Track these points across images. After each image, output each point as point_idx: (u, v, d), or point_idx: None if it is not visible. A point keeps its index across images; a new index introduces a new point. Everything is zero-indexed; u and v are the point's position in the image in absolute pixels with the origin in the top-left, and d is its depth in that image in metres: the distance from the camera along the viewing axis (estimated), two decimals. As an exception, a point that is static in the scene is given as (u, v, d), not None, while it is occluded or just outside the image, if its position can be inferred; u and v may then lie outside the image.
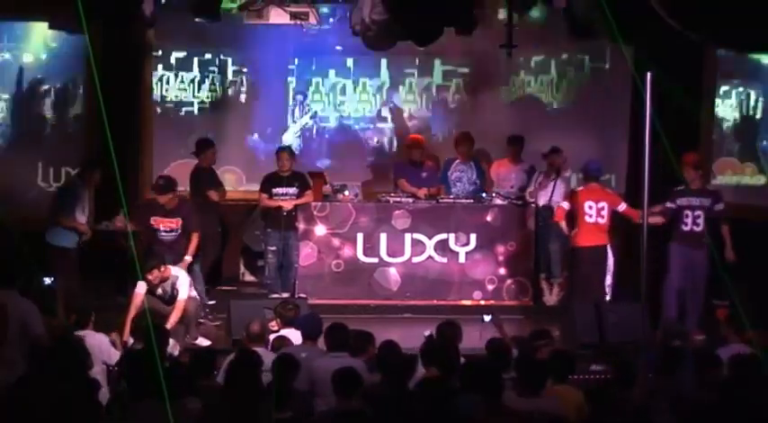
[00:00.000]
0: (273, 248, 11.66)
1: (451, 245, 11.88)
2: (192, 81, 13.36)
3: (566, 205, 11.07)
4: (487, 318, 10.80)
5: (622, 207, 11.00)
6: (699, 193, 10.68)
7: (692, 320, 10.51)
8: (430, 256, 11.84)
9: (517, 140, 12.47)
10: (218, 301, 11.52)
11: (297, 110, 13.57)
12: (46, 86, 12.80)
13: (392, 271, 11.86)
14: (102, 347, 8.41)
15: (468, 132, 12.65)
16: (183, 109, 13.39)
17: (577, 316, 10.39)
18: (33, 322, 8.03)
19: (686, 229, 10.59)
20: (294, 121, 13.58)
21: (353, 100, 13.63)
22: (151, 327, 7.79)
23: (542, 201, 11.80)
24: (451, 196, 12.15)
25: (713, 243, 10.33)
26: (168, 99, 13.34)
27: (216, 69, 13.40)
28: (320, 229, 11.83)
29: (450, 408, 6.47)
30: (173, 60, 13.31)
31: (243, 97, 13.54)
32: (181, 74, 13.32)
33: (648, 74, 9.52)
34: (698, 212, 10.58)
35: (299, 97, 13.57)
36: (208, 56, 13.35)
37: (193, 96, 13.41)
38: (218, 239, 12.08)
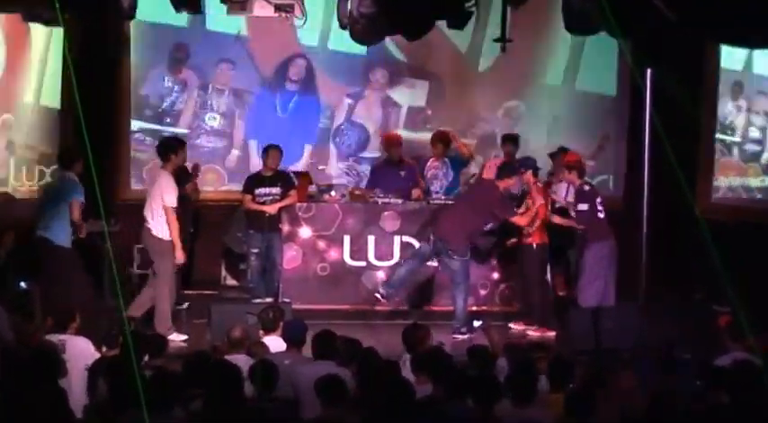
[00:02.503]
0: (256, 251, 11.69)
1: (443, 248, 11.91)
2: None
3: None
4: (477, 323, 10.87)
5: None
6: (574, 193, 11.20)
7: None
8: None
9: (511, 139, 12.53)
10: (199, 306, 11.54)
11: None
12: (20, 81, 12.79)
13: (380, 275, 11.87)
14: (85, 353, 8.40)
15: (442, 131, 12.74)
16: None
17: (573, 321, 10.43)
18: (1, 328, 8.05)
19: None
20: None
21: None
22: (128, 332, 7.83)
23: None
24: (441, 196, 12.22)
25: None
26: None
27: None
28: (305, 231, 11.86)
29: (442, 417, 6.51)
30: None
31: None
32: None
33: (648, 70, 9.62)
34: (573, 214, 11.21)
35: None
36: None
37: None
38: (190, 240, 12.10)
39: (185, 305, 11.75)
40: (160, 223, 10.69)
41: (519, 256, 11.45)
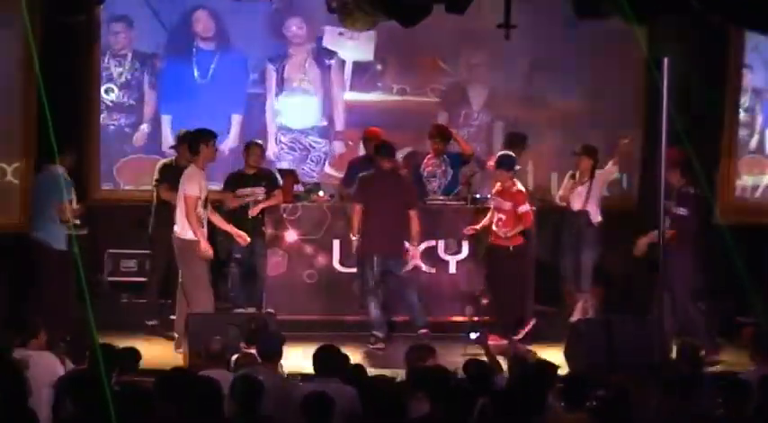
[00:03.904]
0: (238, 256, 11.60)
1: (440, 253, 11.86)
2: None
3: None
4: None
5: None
6: (674, 194, 10.83)
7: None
8: (416, 266, 11.79)
9: (520, 140, 12.42)
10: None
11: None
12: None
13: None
14: (51, 369, 8.32)
15: (441, 125, 12.66)
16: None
17: (583, 333, 10.37)
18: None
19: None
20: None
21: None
22: (97, 345, 7.76)
23: (577, 205, 11.76)
24: (439, 196, 12.16)
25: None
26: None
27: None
28: (291, 235, 11.79)
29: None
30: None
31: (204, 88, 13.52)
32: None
33: (665, 59, 9.57)
34: (668, 217, 10.72)
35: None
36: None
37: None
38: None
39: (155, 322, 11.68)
40: (181, 222, 10.65)
41: (490, 257, 11.42)
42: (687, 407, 7.40)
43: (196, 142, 10.79)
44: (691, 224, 10.67)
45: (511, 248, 11.21)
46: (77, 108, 12.64)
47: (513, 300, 11.33)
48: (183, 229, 10.65)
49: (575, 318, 11.66)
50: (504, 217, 11.20)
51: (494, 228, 11.26)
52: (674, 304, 10.73)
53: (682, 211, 10.74)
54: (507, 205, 11.20)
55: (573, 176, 11.97)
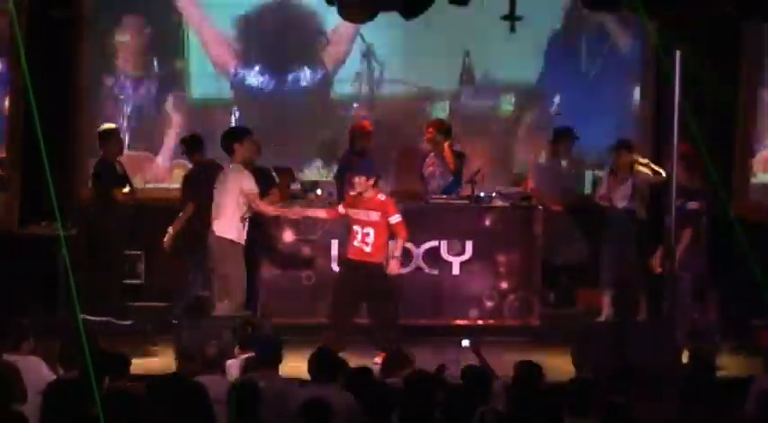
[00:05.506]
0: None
1: (443, 254, 11.87)
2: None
3: None
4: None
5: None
6: (680, 191, 10.66)
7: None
8: (418, 268, 11.83)
9: (565, 135, 12.53)
10: (168, 320, 11.50)
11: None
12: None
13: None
14: (39, 375, 8.36)
15: (438, 120, 12.69)
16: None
17: (591, 336, 10.40)
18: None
19: None
20: None
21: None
22: (86, 351, 7.80)
23: (621, 202, 11.80)
24: (441, 195, 12.20)
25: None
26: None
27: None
28: (288, 236, 11.82)
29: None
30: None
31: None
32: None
33: (677, 52, 9.60)
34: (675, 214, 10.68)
35: None
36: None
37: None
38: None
39: (129, 322, 11.72)
40: (225, 221, 10.75)
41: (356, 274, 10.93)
42: (699, 412, 7.44)
43: (229, 143, 10.89)
44: (700, 219, 10.67)
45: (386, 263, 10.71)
46: (65, 104, 12.70)
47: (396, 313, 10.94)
48: (224, 229, 10.76)
49: (603, 317, 11.77)
50: (372, 230, 10.60)
51: (356, 243, 10.65)
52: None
53: (692, 205, 10.71)
54: (375, 216, 10.61)
55: (612, 173, 11.94)
